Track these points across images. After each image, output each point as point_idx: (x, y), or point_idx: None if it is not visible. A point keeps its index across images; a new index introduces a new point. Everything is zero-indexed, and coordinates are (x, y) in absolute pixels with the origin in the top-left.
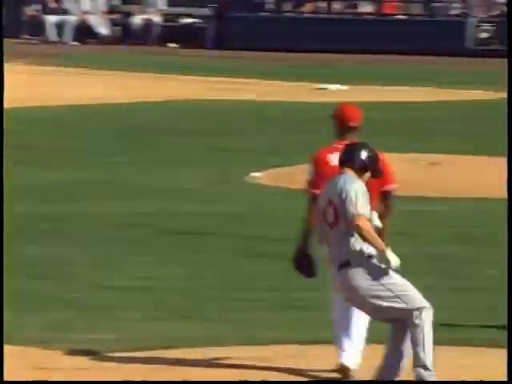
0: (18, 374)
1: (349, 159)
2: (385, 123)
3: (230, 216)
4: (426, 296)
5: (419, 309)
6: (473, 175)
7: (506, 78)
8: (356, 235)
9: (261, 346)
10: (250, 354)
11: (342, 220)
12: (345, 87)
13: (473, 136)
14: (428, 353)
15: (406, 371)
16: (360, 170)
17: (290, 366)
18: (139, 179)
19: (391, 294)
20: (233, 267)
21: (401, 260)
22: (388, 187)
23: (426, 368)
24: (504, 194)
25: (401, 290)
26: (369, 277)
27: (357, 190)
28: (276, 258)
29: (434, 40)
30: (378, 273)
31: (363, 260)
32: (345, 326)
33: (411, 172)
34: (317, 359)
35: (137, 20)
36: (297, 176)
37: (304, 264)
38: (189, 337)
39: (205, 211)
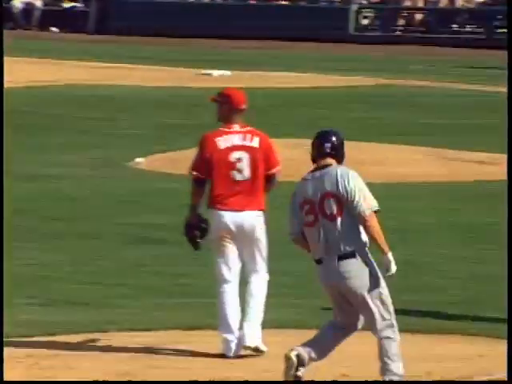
0: None
1: (330, 149)
2: (268, 109)
3: (113, 202)
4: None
5: (394, 326)
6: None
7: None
8: (361, 227)
9: (145, 331)
10: (134, 340)
11: (346, 212)
12: (228, 73)
13: (350, 121)
14: (400, 364)
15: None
16: (339, 157)
17: (174, 352)
18: (20, 164)
19: (380, 299)
20: (117, 253)
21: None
22: (274, 170)
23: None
24: (381, 179)
25: (388, 299)
26: (369, 272)
27: (362, 184)
28: (163, 243)
29: (317, 26)
30: (376, 271)
31: (367, 253)
32: (236, 315)
33: (292, 157)
34: (201, 344)
35: (17, 4)
36: (181, 161)
37: (192, 237)
38: (73, 322)
39: (88, 197)
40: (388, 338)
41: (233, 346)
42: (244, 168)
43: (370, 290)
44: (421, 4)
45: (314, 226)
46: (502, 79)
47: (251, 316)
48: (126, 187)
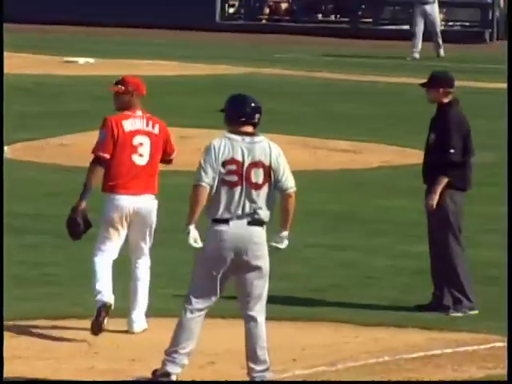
0: None
1: (258, 120)
2: None
3: None
4: None
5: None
6: None
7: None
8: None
9: (9, 321)
10: None
11: (268, 183)
12: (93, 60)
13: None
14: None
15: None
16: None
17: (40, 341)
18: None
19: (267, 275)
20: None
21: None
22: (173, 155)
23: (268, 369)
24: None
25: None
26: (267, 246)
27: (286, 161)
28: (27, 232)
29: (183, 14)
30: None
31: (266, 228)
32: (109, 282)
33: None
34: (67, 334)
35: None
36: (45, 150)
37: (74, 226)
38: None
39: None
40: (261, 322)
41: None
42: (145, 153)
43: (267, 263)
44: None
45: (235, 187)
46: (366, 69)
47: (139, 303)
48: None
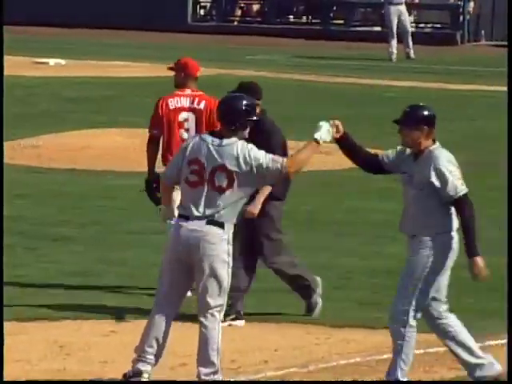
0: None
1: (232, 122)
2: (104, 98)
3: None
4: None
5: (222, 309)
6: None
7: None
8: (243, 202)
9: None
10: None
11: (234, 187)
12: (63, 61)
13: None
14: (220, 357)
15: None
16: (238, 127)
17: (11, 343)
18: None
19: (226, 277)
20: None
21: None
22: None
23: (217, 372)
24: None
25: (228, 281)
26: (226, 248)
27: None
28: None
29: (155, 15)
30: (230, 250)
31: (231, 231)
32: None
33: (127, 145)
34: (38, 335)
35: None
36: (17, 151)
37: (153, 193)
38: None
39: None
40: (213, 327)
41: None
42: (191, 127)
43: (221, 265)
44: None
45: (196, 188)
46: (337, 70)
47: None
48: None
